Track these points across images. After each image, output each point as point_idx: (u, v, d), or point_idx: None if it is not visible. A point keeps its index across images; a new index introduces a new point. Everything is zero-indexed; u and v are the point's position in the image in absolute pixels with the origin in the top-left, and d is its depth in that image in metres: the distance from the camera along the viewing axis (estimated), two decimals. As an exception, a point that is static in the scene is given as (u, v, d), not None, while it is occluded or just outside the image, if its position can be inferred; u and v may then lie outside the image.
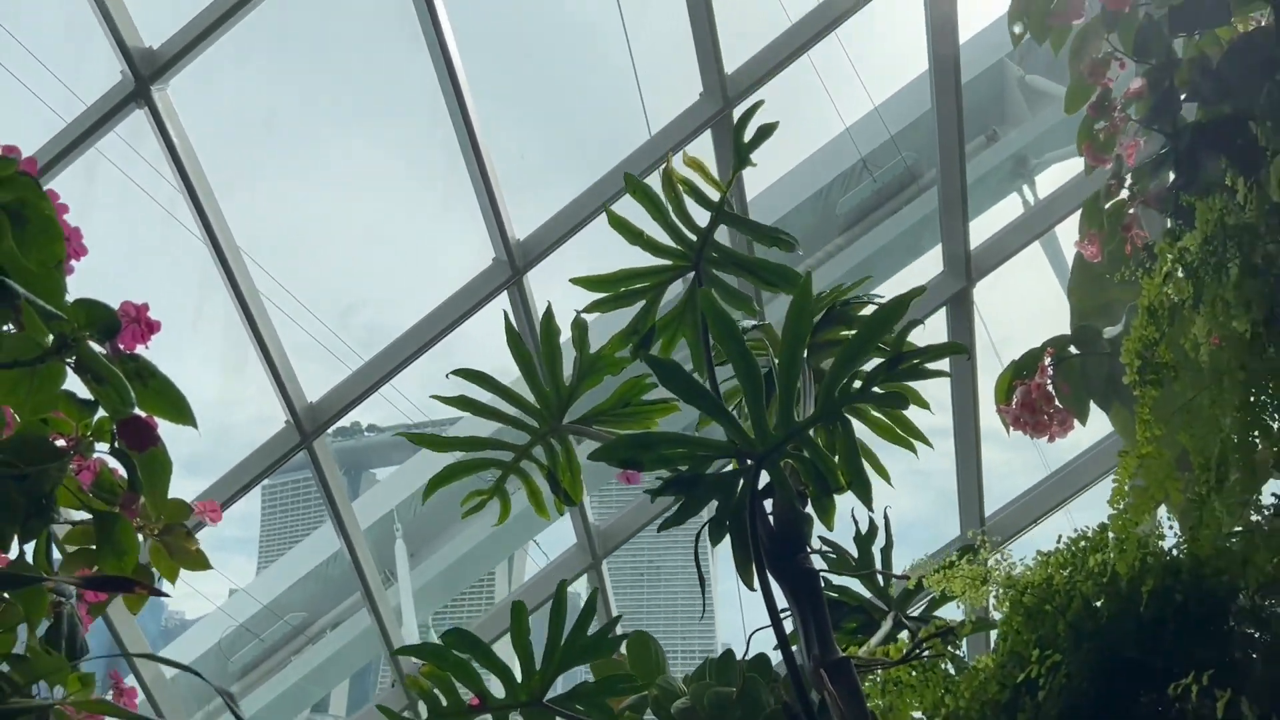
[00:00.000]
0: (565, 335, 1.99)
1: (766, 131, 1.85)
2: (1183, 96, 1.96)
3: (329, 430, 5.62)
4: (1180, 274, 1.72)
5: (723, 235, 1.98)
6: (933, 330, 6.75)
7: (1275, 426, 1.65)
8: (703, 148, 6.32)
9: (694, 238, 1.91)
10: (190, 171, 4.83)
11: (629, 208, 1.95)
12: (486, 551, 10.76)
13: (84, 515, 1.68)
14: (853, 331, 1.76)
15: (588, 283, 1.94)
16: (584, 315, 1.95)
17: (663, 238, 1.91)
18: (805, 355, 1.62)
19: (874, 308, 1.71)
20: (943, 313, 6.70)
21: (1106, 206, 2.27)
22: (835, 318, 1.93)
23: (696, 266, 1.93)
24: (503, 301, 5.64)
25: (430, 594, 11.27)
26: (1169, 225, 2.13)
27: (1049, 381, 2.51)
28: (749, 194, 6.27)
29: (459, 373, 1.92)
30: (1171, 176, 2.05)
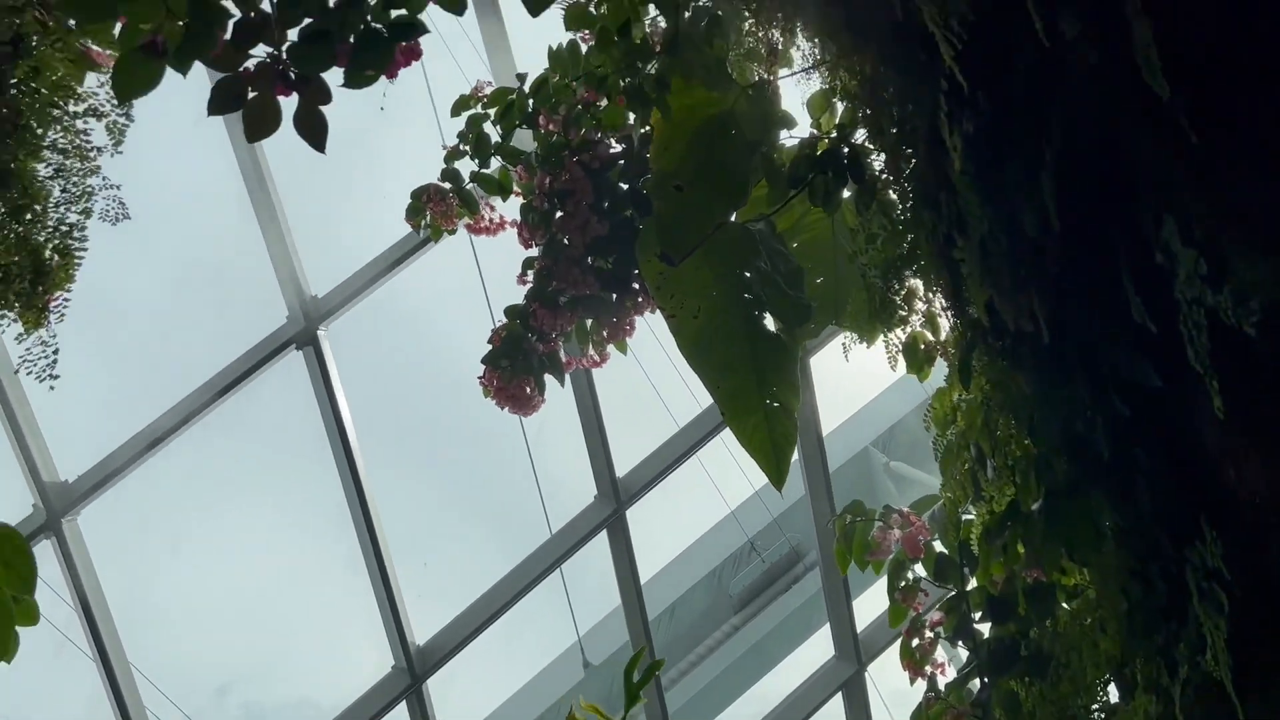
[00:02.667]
0: None
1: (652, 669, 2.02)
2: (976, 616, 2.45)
3: None
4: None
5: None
6: (829, 714, 6.84)
7: None
8: (598, 547, 6.65)
9: None
10: (89, 591, 4.87)
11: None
12: None
13: None
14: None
15: None
16: None
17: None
18: None
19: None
20: (838, 698, 6.83)
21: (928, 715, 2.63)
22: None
23: None
24: (401, 713, 5.55)
25: None
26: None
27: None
28: (643, 577, 6.53)
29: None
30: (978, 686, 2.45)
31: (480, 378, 3.36)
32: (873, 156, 2.67)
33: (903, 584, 2.73)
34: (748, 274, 2.68)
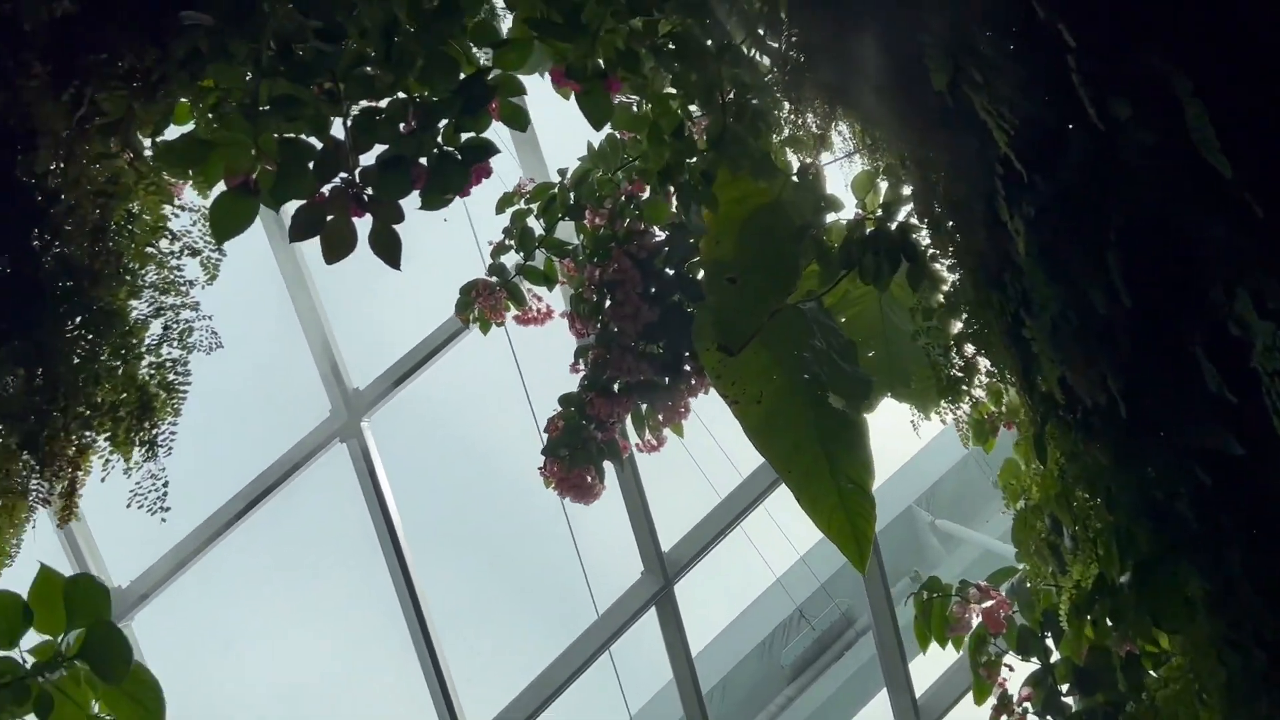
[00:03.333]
0: None
1: None
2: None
3: None
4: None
5: None
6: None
7: None
8: (645, 622, 6.60)
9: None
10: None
11: None
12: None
13: None
14: None
15: None
16: None
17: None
18: None
19: None
20: (904, 767, 6.66)
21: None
22: None
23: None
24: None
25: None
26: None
27: None
28: (692, 651, 6.47)
29: None
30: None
31: (541, 469, 3.39)
32: (920, 233, 2.72)
33: (985, 659, 2.70)
34: (805, 354, 2.71)
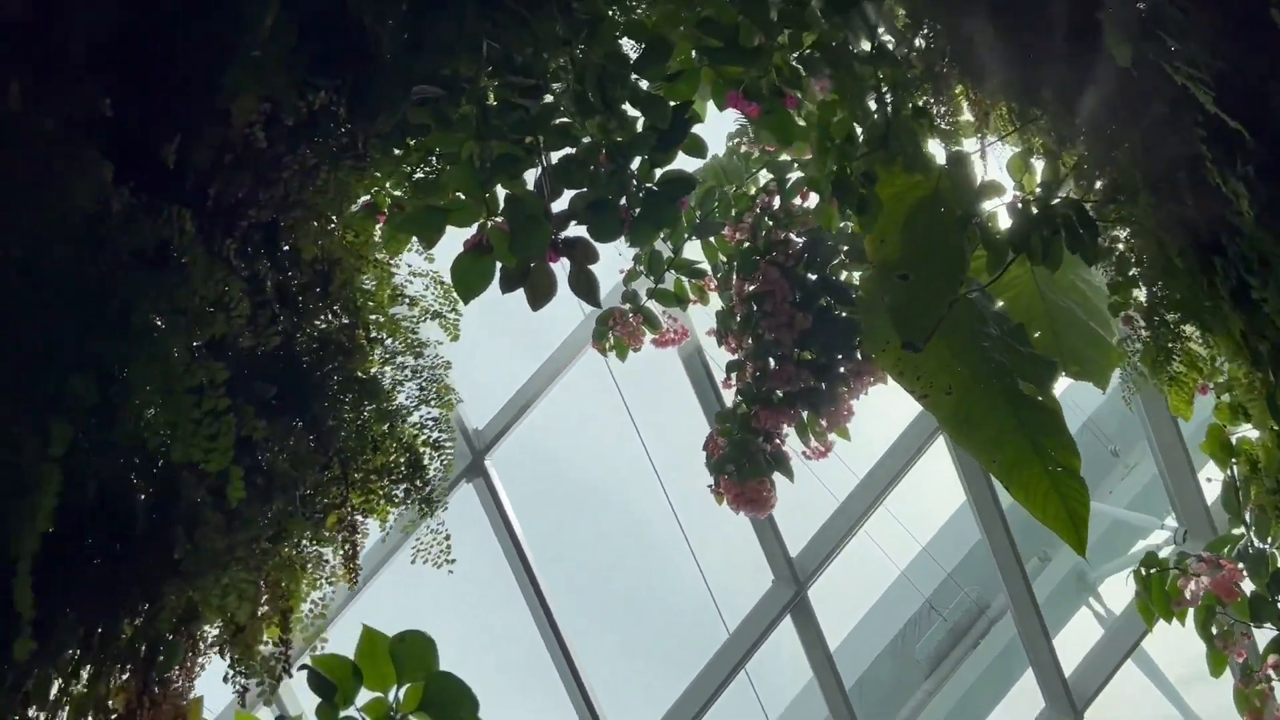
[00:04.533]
0: None
1: None
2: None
3: None
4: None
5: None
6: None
7: None
8: (785, 633, 6.59)
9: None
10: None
11: None
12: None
13: None
14: None
15: None
16: None
17: None
18: None
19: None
20: (1067, 755, 6.52)
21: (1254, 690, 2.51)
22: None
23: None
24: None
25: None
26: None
27: None
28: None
29: None
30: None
31: (711, 486, 3.42)
32: (1090, 209, 2.69)
33: (1220, 630, 2.64)
34: (984, 343, 2.70)
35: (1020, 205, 2.81)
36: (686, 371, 5.83)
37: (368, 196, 2.08)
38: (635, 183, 2.02)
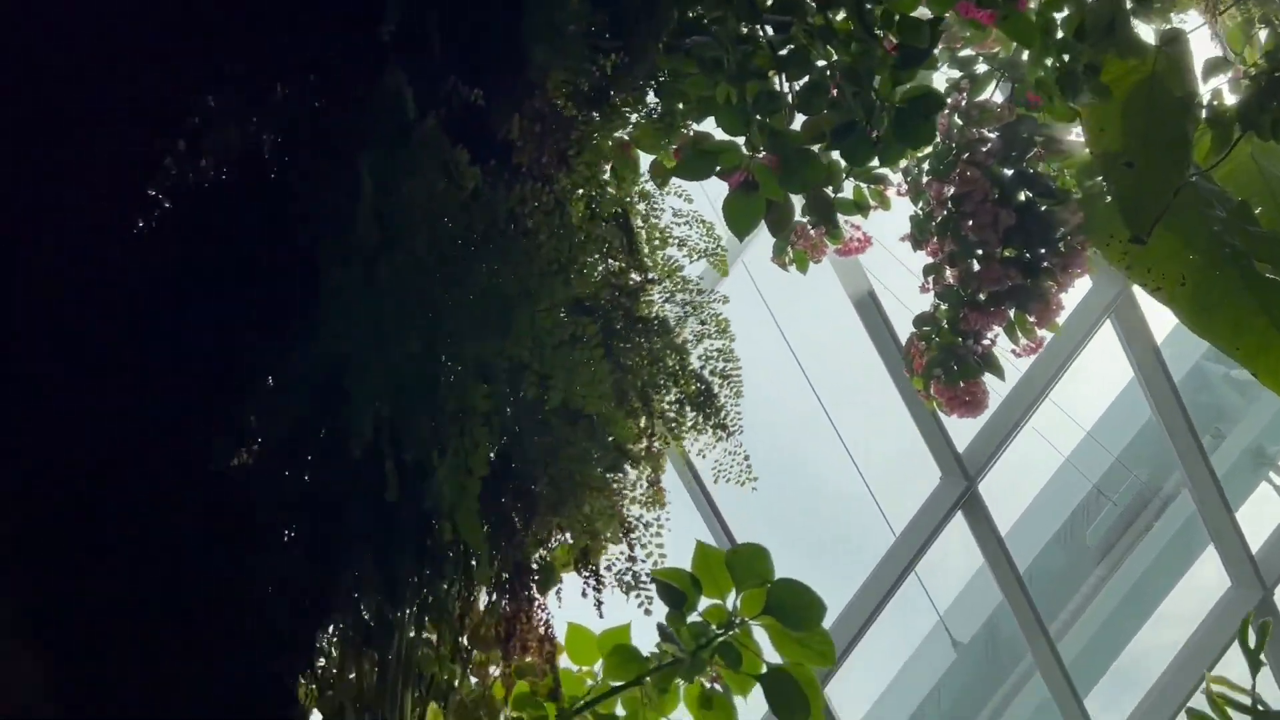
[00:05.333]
0: None
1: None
2: None
3: None
4: None
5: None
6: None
7: None
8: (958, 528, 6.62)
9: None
10: None
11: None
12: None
13: None
14: None
15: None
16: None
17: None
18: None
19: None
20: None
21: None
22: None
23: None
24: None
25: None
26: None
27: None
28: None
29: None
30: None
31: (922, 393, 3.49)
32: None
33: None
34: (1215, 227, 2.65)
35: (1245, 79, 2.71)
36: (843, 283, 5.82)
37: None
38: (881, 103, 2.07)
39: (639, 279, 1.92)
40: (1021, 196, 3.44)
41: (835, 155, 4.18)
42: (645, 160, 2.31)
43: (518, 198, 1.44)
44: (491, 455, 1.38)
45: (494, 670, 1.71)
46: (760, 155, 1.93)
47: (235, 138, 1.26)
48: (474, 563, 1.42)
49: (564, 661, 1.90)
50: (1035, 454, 9.78)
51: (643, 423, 1.86)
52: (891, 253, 4.86)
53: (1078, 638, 9.49)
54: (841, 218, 4.17)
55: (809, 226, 4.21)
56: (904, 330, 4.76)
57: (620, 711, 1.82)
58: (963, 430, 6.69)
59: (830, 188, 4.18)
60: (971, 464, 6.65)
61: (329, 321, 1.25)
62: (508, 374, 1.43)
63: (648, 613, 1.78)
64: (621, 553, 1.70)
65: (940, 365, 3.43)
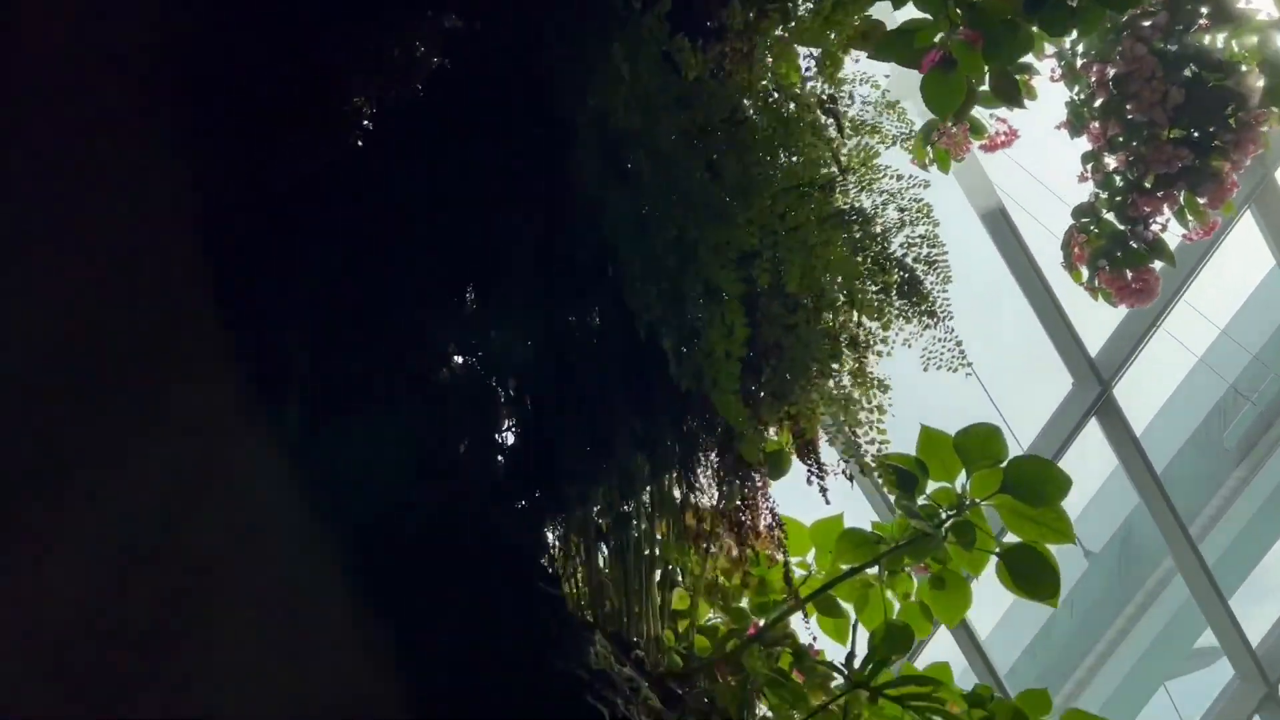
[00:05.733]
0: None
1: None
2: None
3: None
4: None
5: None
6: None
7: None
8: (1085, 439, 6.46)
9: None
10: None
11: None
12: None
13: None
14: None
15: None
16: None
17: None
18: None
19: None
20: None
21: None
22: None
23: None
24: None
25: None
26: None
27: None
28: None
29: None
30: None
31: (1086, 284, 3.39)
32: None
33: None
34: None
35: None
36: (967, 195, 5.65)
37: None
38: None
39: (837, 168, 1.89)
40: (1187, 72, 3.27)
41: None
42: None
43: (741, 83, 1.44)
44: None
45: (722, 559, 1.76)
46: (959, 32, 1.86)
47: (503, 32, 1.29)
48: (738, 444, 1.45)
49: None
50: (1166, 355, 9.41)
51: (852, 314, 1.85)
52: (1017, 162, 4.70)
53: (1216, 543, 9.20)
54: (984, 111, 4.04)
55: (949, 123, 4.09)
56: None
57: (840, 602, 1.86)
58: (1092, 335, 6.48)
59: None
60: (1105, 368, 6.48)
61: (591, 212, 1.28)
62: (742, 260, 1.43)
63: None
64: (845, 439, 1.71)
65: (1106, 255, 3.32)
